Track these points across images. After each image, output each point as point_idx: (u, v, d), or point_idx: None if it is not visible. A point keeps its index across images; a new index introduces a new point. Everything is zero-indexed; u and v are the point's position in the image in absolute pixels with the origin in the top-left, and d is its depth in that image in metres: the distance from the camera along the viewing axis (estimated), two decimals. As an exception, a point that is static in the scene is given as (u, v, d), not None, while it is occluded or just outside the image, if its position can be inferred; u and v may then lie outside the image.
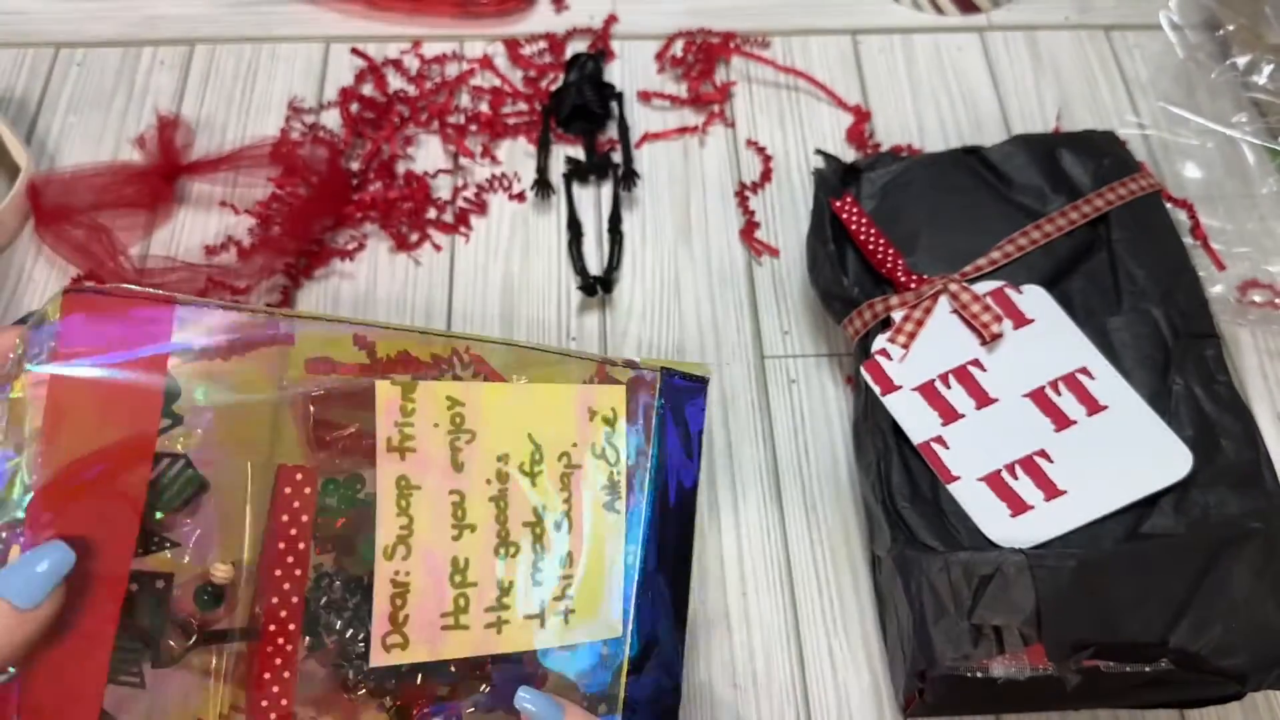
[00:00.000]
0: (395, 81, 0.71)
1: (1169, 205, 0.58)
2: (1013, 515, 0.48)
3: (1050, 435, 0.50)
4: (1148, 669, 0.44)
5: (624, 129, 0.68)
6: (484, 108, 0.69)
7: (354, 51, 0.71)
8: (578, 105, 0.67)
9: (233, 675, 0.36)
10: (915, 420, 0.51)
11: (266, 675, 0.36)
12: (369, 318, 0.60)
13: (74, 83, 0.70)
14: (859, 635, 0.52)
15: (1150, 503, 0.47)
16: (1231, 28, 0.70)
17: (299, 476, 0.37)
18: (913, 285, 0.54)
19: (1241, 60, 0.69)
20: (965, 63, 0.72)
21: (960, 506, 0.48)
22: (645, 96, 0.70)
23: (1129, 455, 0.49)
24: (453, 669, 0.39)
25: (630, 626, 0.42)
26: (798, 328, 0.61)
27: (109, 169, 0.64)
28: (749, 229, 0.64)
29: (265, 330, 0.37)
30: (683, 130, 0.69)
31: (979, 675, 0.43)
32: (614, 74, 0.72)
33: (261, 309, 0.38)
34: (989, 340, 0.52)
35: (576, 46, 0.73)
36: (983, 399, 0.51)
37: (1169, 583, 0.43)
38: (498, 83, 0.71)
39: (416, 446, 0.39)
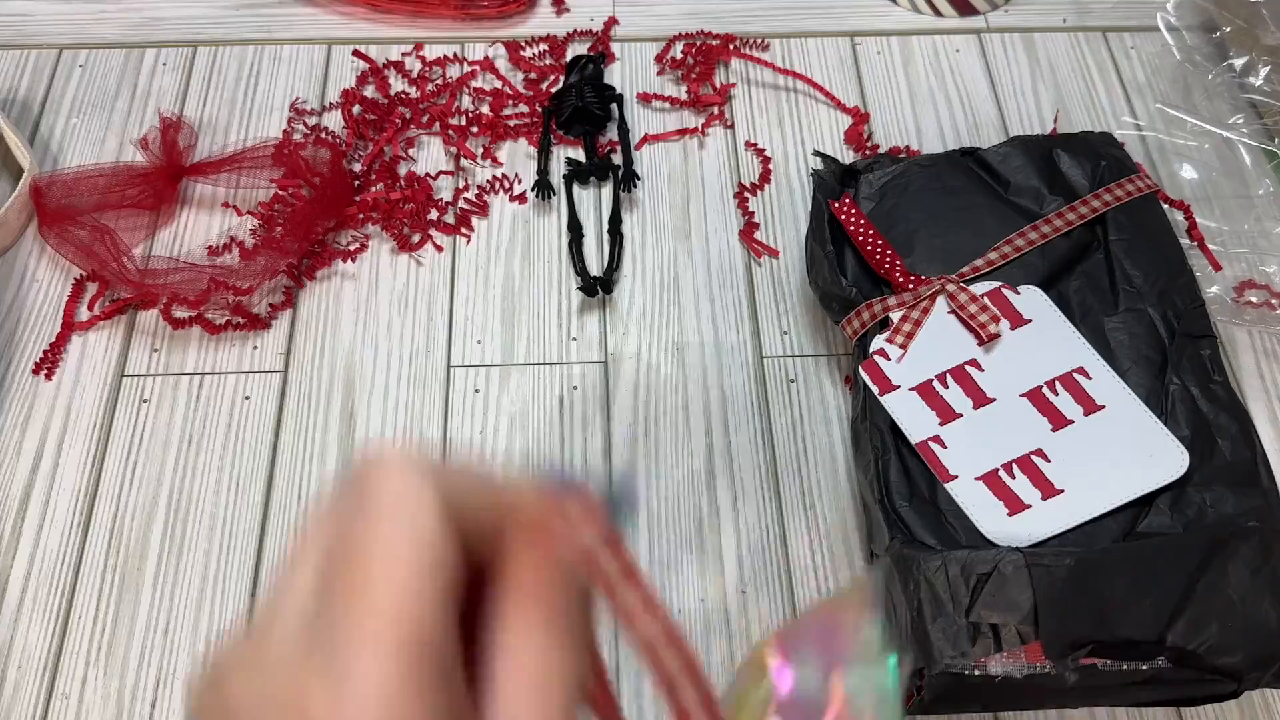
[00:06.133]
0: (397, 83, 0.71)
1: (1166, 206, 0.59)
2: (1010, 514, 0.48)
3: (1047, 435, 0.50)
4: (1145, 667, 0.44)
5: (624, 131, 0.68)
6: (485, 110, 0.70)
7: (356, 54, 0.72)
8: (578, 107, 0.67)
9: None
10: (913, 420, 0.51)
11: None
12: (371, 319, 0.61)
13: (77, 84, 0.70)
14: (858, 634, 0.52)
15: (1147, 502, 0.48)
16: (1228, 30, 0.70)
17: None
18: (911, 286, 0.54)
19: (1238, 62, 0.69)
20: (963, 65, 0.73)
21: (958, 505, 0.48)
22: (645, 98, 0.70)
23: (1126, 454, 0.49)
24: None
25: None
26: (796, 328, 0.61)
27: (112, 170, 0.64)
28: (748, 230, 0.65)
29: None
30: (682, 132, 0.69)
31: (976, 673, 0.44)
32: (614, 76, 0.72)
33: None
34: (986, 340, 0.53)
35: (577, 49, 0.73)
36: (980, 399, 0.51)
37: (1166, 581, 0.43)
38: (499, 85, 0.71)
39: None
